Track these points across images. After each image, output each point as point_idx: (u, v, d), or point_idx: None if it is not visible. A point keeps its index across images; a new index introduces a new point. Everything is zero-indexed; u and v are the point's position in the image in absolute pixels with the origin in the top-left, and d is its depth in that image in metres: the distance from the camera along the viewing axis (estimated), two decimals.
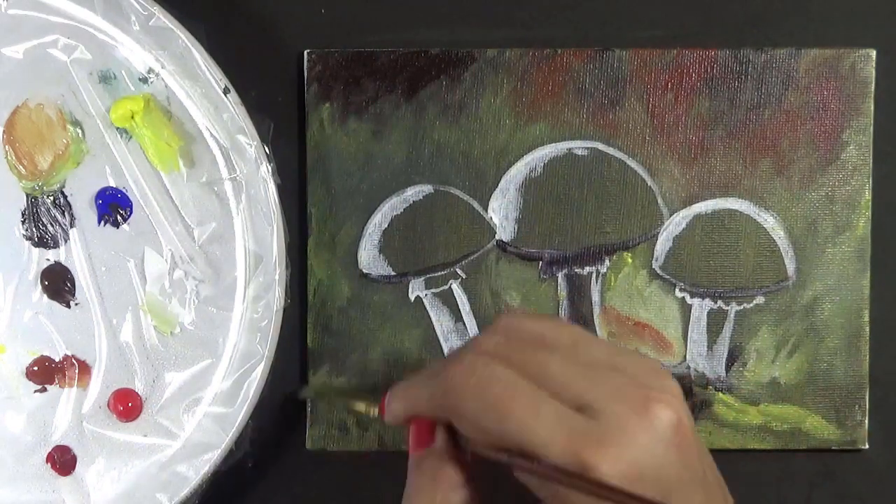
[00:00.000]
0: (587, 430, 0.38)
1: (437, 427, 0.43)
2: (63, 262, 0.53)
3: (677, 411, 0.39)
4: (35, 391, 0.53)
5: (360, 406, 0.50)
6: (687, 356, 0.55)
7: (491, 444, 0.40)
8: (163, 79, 0.52)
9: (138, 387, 0.53)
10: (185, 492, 0.52)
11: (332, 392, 0.54)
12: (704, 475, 0.40)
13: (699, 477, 0.39)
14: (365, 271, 0.54)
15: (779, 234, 0.54)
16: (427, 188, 0.54)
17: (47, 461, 0.53)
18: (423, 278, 0.54)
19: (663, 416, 0.38)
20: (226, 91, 0.51)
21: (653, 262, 0.54)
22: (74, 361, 0.53)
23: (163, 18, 0.51)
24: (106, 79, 0.52)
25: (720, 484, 0.42)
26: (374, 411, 0.48)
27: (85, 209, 0.53)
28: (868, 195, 0.54)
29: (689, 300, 0.54)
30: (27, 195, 0.53)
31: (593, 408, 0.38)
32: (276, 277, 0.51)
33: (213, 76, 0.51)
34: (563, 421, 0.38)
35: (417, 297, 0.54)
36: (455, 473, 0.42)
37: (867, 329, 0.54)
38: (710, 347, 0.55)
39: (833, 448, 0.55)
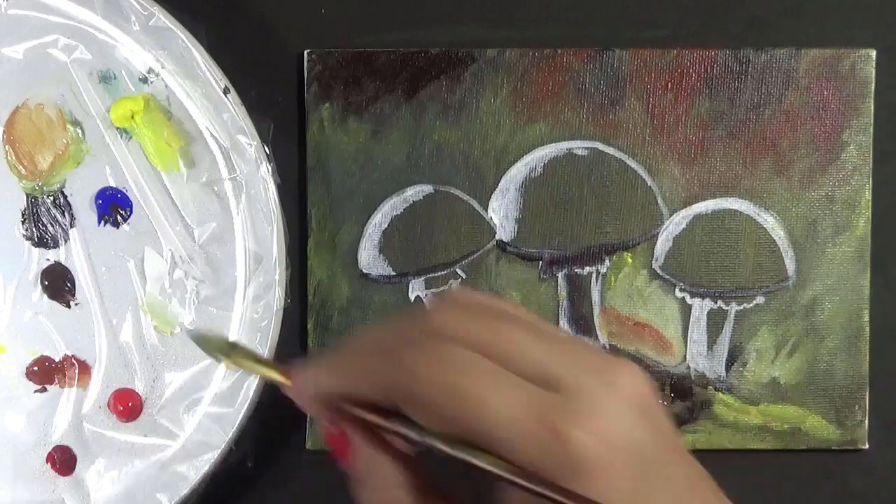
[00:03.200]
0: (556, 404, 0.36)
1: (351, 426, 0.38)
2: (63, 262, 0.53)
3: (642, 379, 0.37)
4: (35, 391, 0.53)
5: (271, 373, 0.40)
6: (687, 356, 0.55)
7: (453, 436, 0.36)
8: (163, 79, 0.52)
9: (138, 387, 0.53)
10: (185, 492, 0.52)
11: (237, 353, 0.42)
12: (680, 447, 0.38)
13: (675, 447, 0.38)
14: (365, 271, 0.54)
15: (779, 234, 0.54)
16: (427, 188, 0.54)
17: (47, 461, 0.53)
18: (423, 278, 0.54)
19: (629, 383, 0.37)
20: (226, 91, 0.51)
21: (653, 262, 0.54)
22: (74, 361, 0.53)
23: (163, 18, 0.51)
24: (106, 79, 0.52)
25: (694, 460, 0.40)
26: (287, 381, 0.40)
27: (85, 209, 0.53)
28: (868, 195, 0.54)
29: (689, 300, 0.54)
30: (27, 195, 0.53)
31: (560, 381, 0.36)
32: (276, 277, 0.51)
33: (213, 76, 0.51)
34: (530, 397, 0.36)
35: (417, 297, 0.54)
36: (397, 470, 0.38)
37: (867, 329, 0.54)
38: (710, 347, 0.55)
39: (833, 448, 0.55)
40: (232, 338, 0.52)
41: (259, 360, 0.43)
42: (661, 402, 0.40)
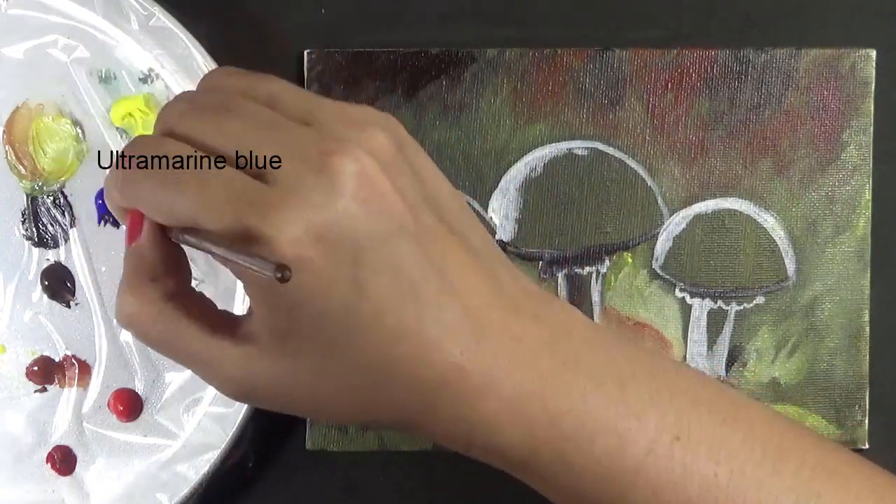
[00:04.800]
0: (255, 196, 0.34)
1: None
2: (63, 262, 0.53)
3: (360, 161, 0.35)
4: (35, 391, 0.53)
5: None
6: (687, 356, 0.55)
7: (179, 228, 0.37)
8: (163, 79, 0.52)
9: (138, 387, 0.53)
10: (185, 492, 0.52)
11: None
12: (411, 224, 0.36)
13: (400, 226, 0.36)
14: None
15: (779, 234, 0.54)
16: None
17: (47, 461, 0.53)
18: None
19: (342, 169, 0.35)
20: None
21: (653, 262, 0.54)
22: (74, 361, 0.53)
23: (163, 18, 0.51)
24: (106, 79, 0.52)
25: (440, 225, 0.38)
26: None
27: (85, 209, 0.53)
28: (868, 195, 0.54)
29: (689, 300, 0.54)
30: (27, 195, 0.53)
31: (268, 169, 0.35)
32: None
33: None
34: (230, 188, 0.35)
35: None
36: (156, 264, 0.38)
37: (867, 329, 0.54)
38: (710, 347, 0.55)
39: None
40: None
41: None
42: (387, 178, 0.36)
